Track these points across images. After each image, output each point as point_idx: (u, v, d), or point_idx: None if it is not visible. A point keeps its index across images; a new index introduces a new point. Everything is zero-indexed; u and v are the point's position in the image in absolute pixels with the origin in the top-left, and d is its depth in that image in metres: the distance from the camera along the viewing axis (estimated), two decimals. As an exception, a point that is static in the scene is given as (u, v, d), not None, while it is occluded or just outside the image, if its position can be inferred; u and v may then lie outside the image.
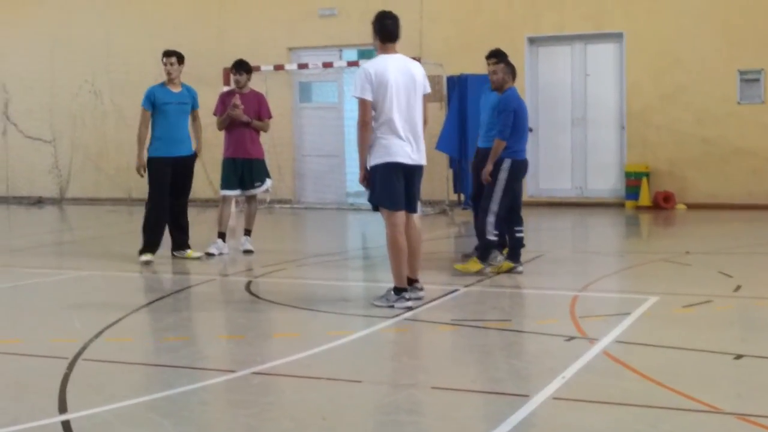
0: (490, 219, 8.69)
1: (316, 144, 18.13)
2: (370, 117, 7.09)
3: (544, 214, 15.19)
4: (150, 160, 10.00)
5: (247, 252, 10.50)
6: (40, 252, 11.71)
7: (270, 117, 10.72)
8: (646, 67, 16.11)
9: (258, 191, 10.67)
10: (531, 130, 9.43)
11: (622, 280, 8.97)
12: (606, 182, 16.68)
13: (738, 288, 7.88)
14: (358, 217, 15.83)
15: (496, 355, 5.89)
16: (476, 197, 9.56)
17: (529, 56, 16.82)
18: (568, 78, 16.84)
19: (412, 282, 7.29)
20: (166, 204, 10.07)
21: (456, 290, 7.97)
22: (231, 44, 17.65)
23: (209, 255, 10.26)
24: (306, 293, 8.34)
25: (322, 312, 7.24)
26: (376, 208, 7.29)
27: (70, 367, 5.44)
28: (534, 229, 12.54)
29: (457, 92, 15.29)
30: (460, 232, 13.39)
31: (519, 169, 8.83)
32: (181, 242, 10.25)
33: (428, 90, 7.40)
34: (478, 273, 8.65)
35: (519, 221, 9.05)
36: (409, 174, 7.23)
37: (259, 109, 10.54)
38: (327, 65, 17.04)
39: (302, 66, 17.40)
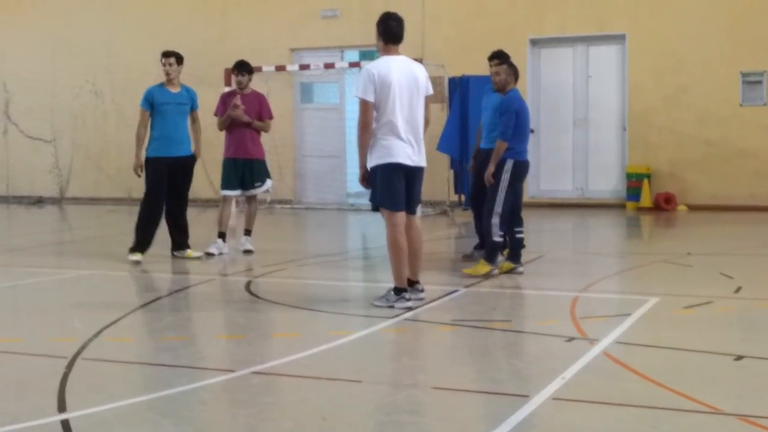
0: (495, 220, 8.67)
1: (317, 144, 18.13)
2: (371, 118, 7.08)
3: (545, 215, 15.18)
4: (147, 159, 10.00)
5: (247, 252, 10.50)
6: (40, 251, 11.71)
7: (271, 117, 10.72)
8: (648, 68, 16.11)
9: (258, 191, 10.67)
10: (532, 131, 9.42)
11: (623, 281, 8.96)
12: (607, 183, 16.68)
13: (739, 289, 7.87)
14: (359, 217, 15.82)
15: (496, 356, 5.88)
16: (475, 198, 9.56)
17: (531, 58, 16.83)
18: (570, 79, 16.84)
19: (412, 283, 7.28)
20: (161, 204, 10.07)
21: (456, 291, 7.96)
22: (233, 45, 17.66)
23: (209, 255, 10.25)
24: (306, 293, 8.33)
25: (322, 312, 7.23)
26: (376, 209, 7.28)
27: (70, 366, 5.42)
28: (535, 229, 12.54)
29: (458, 93, 15.29)
30: (461, 233, 13.38)
31: (521, 169, 8.82)
32: (180, 242, 10.24)
33: (430, 91, 7.39)
34: (488, 275, 8.62)
35: (519, 222, 9.05)
36: (410, 175, 7.22)
37: (260, 110, 10.53)
38: (328, 66, 17.04)
39: (304, 67, 17.40)
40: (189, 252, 10.21)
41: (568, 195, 16.90)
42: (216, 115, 10.53)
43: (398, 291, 7.13)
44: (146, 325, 7.06)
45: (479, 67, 12.09)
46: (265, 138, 11.01)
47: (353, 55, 18.48)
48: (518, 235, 8.97)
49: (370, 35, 7.40)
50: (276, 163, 16.41)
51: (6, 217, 17.82)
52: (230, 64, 11.11)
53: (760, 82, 15.57)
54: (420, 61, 9.46)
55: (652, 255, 10.67)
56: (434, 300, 7.44)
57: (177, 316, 7.47)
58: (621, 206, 16.17)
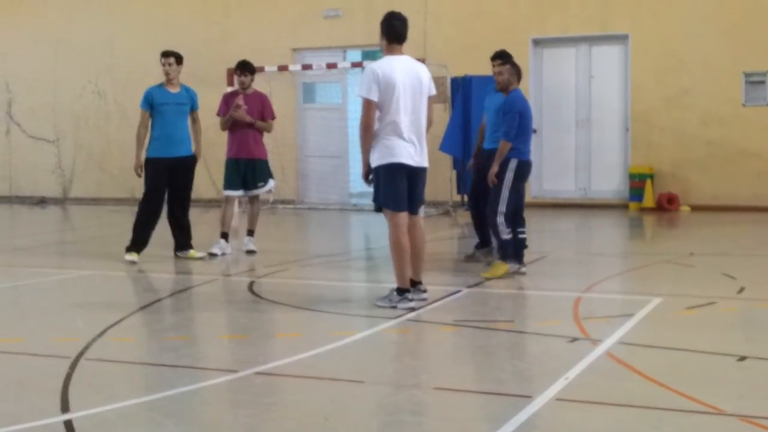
0: (500, 219, 8.66)
1: (319, 145, 18.13)
2: (373, 118, 7.07)
3: (547, 215, 15.17)
4: (147, 160, 10.01)
5: (250, 252, 10.50)
6: (42, 251, 11.72)
7: (273, 118, 10.72)
8: (651, 68, 16.10)
9: (261, 191, 10.67)
10: (535, 131, 9.43)
11: (626, 282, 8.95)
12: (610, 183, 16.68)
13: (742, 290, 7.86)
14: (361, 217, 15.82)
15: (498, 356, 5.87)
16: (475, 198, 9.55)
17: (533, 58, 16.82)
18: (572, 79, 16.83)
19: (415, 284, 7.27)
20: (159, 205, 10.08)
21: (459, 291, 7.96)
22: (235, 45, 17.66)
23: (212, 255, 10.25)
24: (309, 293, 8.33)
25: (324, 312, 7.23)
26: (379, 209, 7.27)
27: (72, 366, 5.42)
28: (537, 230, 12.53)
29: (461, 93, 15.29)
30: (463, 234, 13.36)
31: (524, 169, 8.82)
32: (183, 242, 10.24)
33: (433, 92, 7.38)
34: (507, 275, 8.60)
35: (522, 222, 9.03)
36: (413, 175, 7.21)
37: (263, 110, 10.54)
38: (331, 66, 17.05)
39: (306, 67, 17.42)
40: (192, 252, 10.21)
41: (571, 195, 16.89)
42: (218, 115, 10.54)
43: (401, 291, 7.12)
44: (149, 326, 7.06)
45: (482, 67, 12.09)
46: (267, 138, 11.02)
47: (355, 55, 18.48)
48: (521, 236, 8.96)
49: (372, 35, 7.41)
50: (278, 164, 16.42)
51: (9, 217, 17.83)
52: (232, 64, 11.11)
53: (763, 82, 15.56)
54: (422, 61, 9.44)
55: (654, 255, 10.66)
56: (437, 300, 7.44)
57: (179, 316, 7.48)
58: (624, 206, 16.16)
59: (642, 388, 4.86)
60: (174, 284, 9.15)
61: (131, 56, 18.92)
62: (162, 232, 10.37)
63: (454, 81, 15.96)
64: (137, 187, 17.01)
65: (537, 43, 16.91)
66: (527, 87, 15.36)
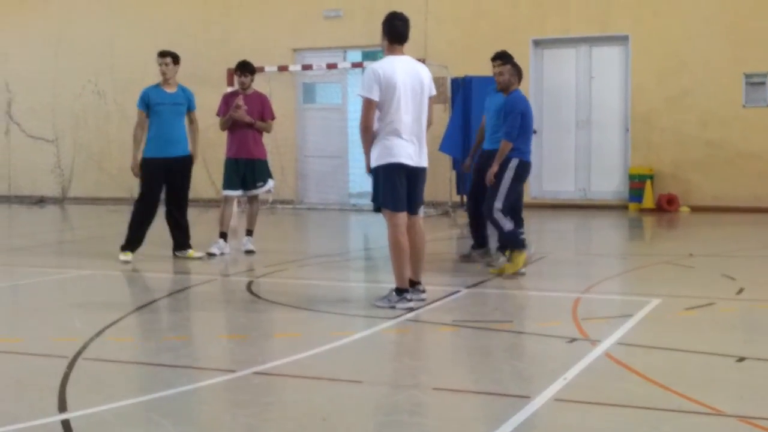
0: (497, 215, 8.65)
1: (319, 145, 18.14)
2: (372, 118, 7.07)
3: (547, 216, 15.17)
4: (144, 160, 10.00)
5: (249, 252, 10.49)
6: (41, 251, 11.71)
7: (273, 118, 10.72)
8: (651, 69, 16.10)
9: (260, 191, 10.66)
10: (535, 132, 9.44)
11: (625, 282, 8.94)
12: (610, 184, 16.68)
13: (741, 291, 7.86)
14: (361, 218, 15.82)
15: (497, 357, 5.86)
16: (475, 198, 9.55)
17: (534, 59, 16.83)
18: (572, 80, 16.84)
19: (414, 284, 7.26)
20: (154, 205, 10.07)
21: (458, 291, 7.95)
22: (235, 45, 17.67)
23: (211, 255, 10.25)
24: (307, 293, 8.32)
25: (323, 312, 7.22)
26: (378, 209, 7.27)
27: (71, 366, 5.41)
28: (537, 230, 12.53)
29: (461, 94, 15.28)
30: (463, 234, 13.34)
31: (524, 169, 8.82)
32: (182, 242, 10.24)
33: (434, 92, 7.38)
34: (527, 262, 8.67)
35: (520, 223, 9.04)
36: (412, 176, 7.20)
37: (262, 110, 10.53)
38: (331, 66, 17.06)
39: (306, 67, 17.42)
40: (190, 252, 10.21)
41: (571, 196, 16.89)
42: (218, 115, 10.53)
43: (400, 291, 7.12)
44: (147, 325, 7.04)
45: (482, 67, 12.09)
46: (267, 138, 11.02)
47: (356, 56, 18.48)
48: (519, 236, 8.95)
49: (372, 36, 7.42)
50: (278, 164, 16.42)
51: (7, 216, 17.83)
52: (232, 65, 11.10)
53: (763, 83, 15.56)
54: (423, 61, 9.43)
55: (654, 256, 10.65)
56: (436, 301, 7.43)
57: (178, 316, 7.47)
58: (623, 207, 16.16)
59: (641, 388, 4.85)
60: (172, 284, 9.13)
61: (131, 56, 18.92)
62: (161, 231, 10.37)
63: (455, 81, 15.96)
64: (136, 187, 17.01)
65: (537, 43, 16.91)
66: (527, 88, 15.35)
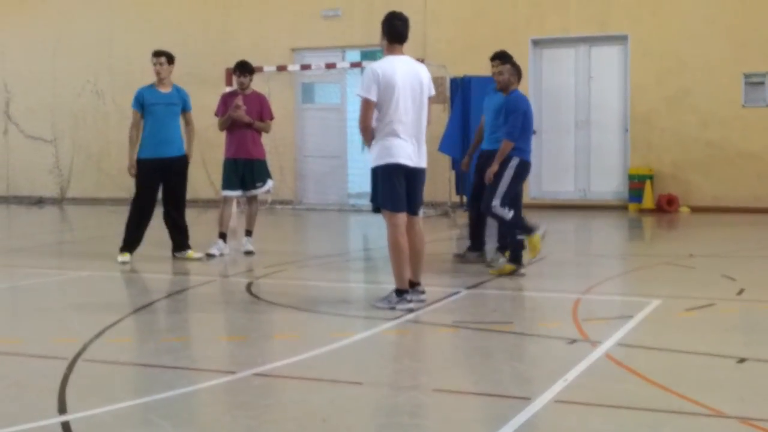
0: (496, 211, 8.63)
1: (318, 145, 18.14)
2: (371, 118, 7.07)
3: (547, 216, 15.12)
4: (138, 160, 9.98)
5: (248, 253, 10.48)
6: (40, 252, 11.69)
7: (272, 118, 10.71)
8: (651, 69, 16.10)
9: (259, 192, 10.65)
10: (535, 132, 9.42)
11: (625, 283, 8.94)
12: (609, 185, 16.67)
13: (741, 291, 7.85)
14: (360, 218, 15.81)
15: (497, 358, 5.85)
16: (476, 199, 9.54)
17: (533, 58, 16.82)
18: (572, 80, 16.84)
19: (414, 285, 7.25)
20: (150, 205, 10.06)
21: (458, 292, 7.94)
22: (234, 45, 17.67)
23: (210, 256, 10.23)
24: (307, 294, 8.31)
25: (323, 313, 7.21)
26: (377, 210, 7.26)
27: (70, 367, 5.41)
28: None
29: (460, 94, 15.28)
30: (462, 234, 13.33)
31: (524, 169, 8.82)
32: (181, 243, 10.23)
33: (433, 93, 7.37)
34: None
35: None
36: (411, 176, 7.19)
37: (261, 110, 10.52)
38: (330, 66, 17.06)
39: (305, 67, 17.42)
40: (190, 253, 10.20)
41: (570, 196, 16.89)
42: (217, 115, 10.52)
43: (399, 292, 7.11)
44: (146, 327, 7.03)
45: (481, 67, 12.08)
46: (266, 138, 11.01)
47: (354, 56, 18.48)
48: (519, 237, 8.94)
49: (371, 35, 7.42)
50: (277, 164, 16.41)
51: (6, 217, 17.81)
52: (231, 64, 11.10)
53: (762, 83, 15.56)
54: (422, 61, 9.44)
55: (654, 257, 10.64)
56: (436, 302, 7.42)
57: (177, 317, 7.46)
58: (623, 208, 16.16)
59: (641, 390, 4.85)
60: (172, 285, 9.12)
61: (130, 56, 18.92)
62: (160, 232, 10.36)
63: (454, 81, 15.96)
64: (134, 187, 17.04)
65: (536, 43, 16.90)
66: (526, 88, 15.32)
